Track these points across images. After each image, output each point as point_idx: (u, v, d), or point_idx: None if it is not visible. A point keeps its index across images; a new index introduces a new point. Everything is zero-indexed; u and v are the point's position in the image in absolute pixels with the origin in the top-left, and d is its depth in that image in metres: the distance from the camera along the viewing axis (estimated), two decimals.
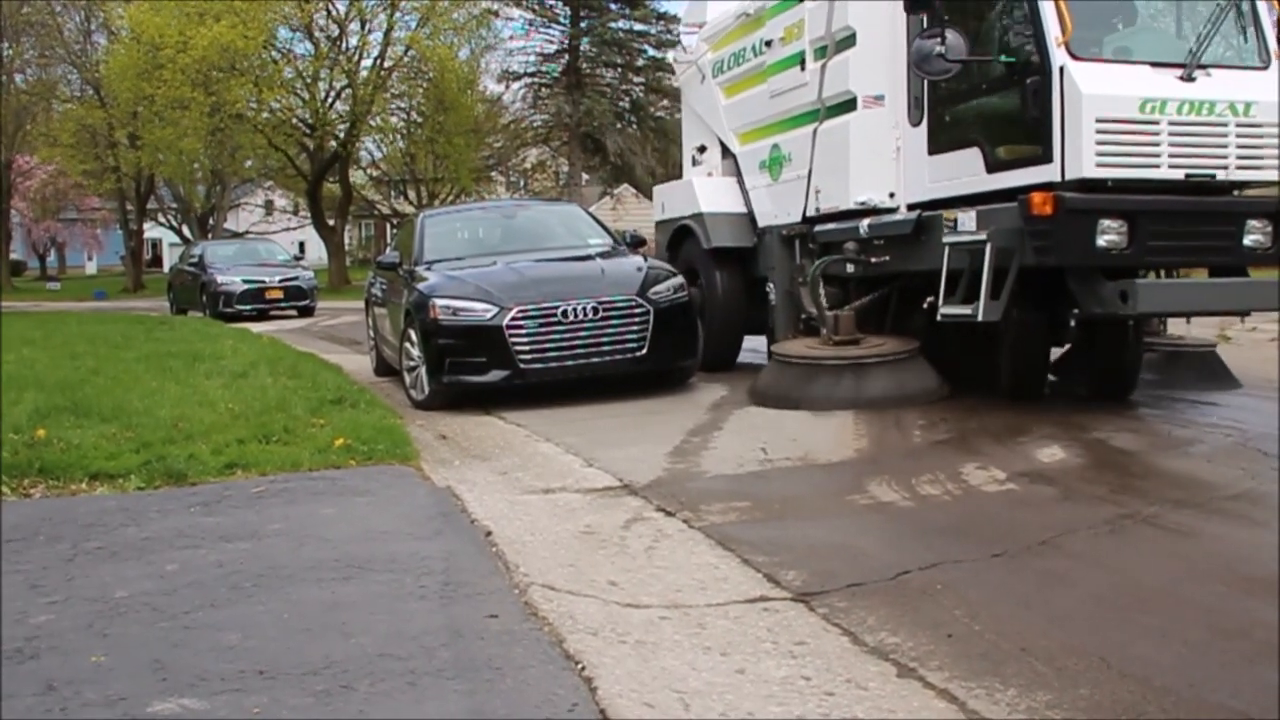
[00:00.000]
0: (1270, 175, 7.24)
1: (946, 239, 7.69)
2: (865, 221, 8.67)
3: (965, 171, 7.73)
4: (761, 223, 10.27)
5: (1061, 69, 6.93)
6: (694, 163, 11.77)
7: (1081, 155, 6.82)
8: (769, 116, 10.12)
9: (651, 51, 46.21)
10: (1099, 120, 6.83)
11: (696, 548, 4.76)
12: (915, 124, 8.32)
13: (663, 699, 3.18)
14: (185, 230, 47.82)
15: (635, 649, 3.58)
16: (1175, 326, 9.25)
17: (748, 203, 10.54)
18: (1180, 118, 6.98)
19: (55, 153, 42.72)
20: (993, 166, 7.51)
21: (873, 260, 8.70)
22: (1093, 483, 5.74)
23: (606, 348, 8.84)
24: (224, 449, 6.43)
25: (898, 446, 6.75)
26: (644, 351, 8.93)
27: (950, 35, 7.28)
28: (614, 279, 9.26)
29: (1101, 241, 6.82)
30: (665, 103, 47.82)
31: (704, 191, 10.91)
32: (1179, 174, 7.00)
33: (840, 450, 6.69)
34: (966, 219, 7.48)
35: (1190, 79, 7.09)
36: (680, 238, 11.18)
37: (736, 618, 3.86)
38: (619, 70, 46.37)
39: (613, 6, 44.97)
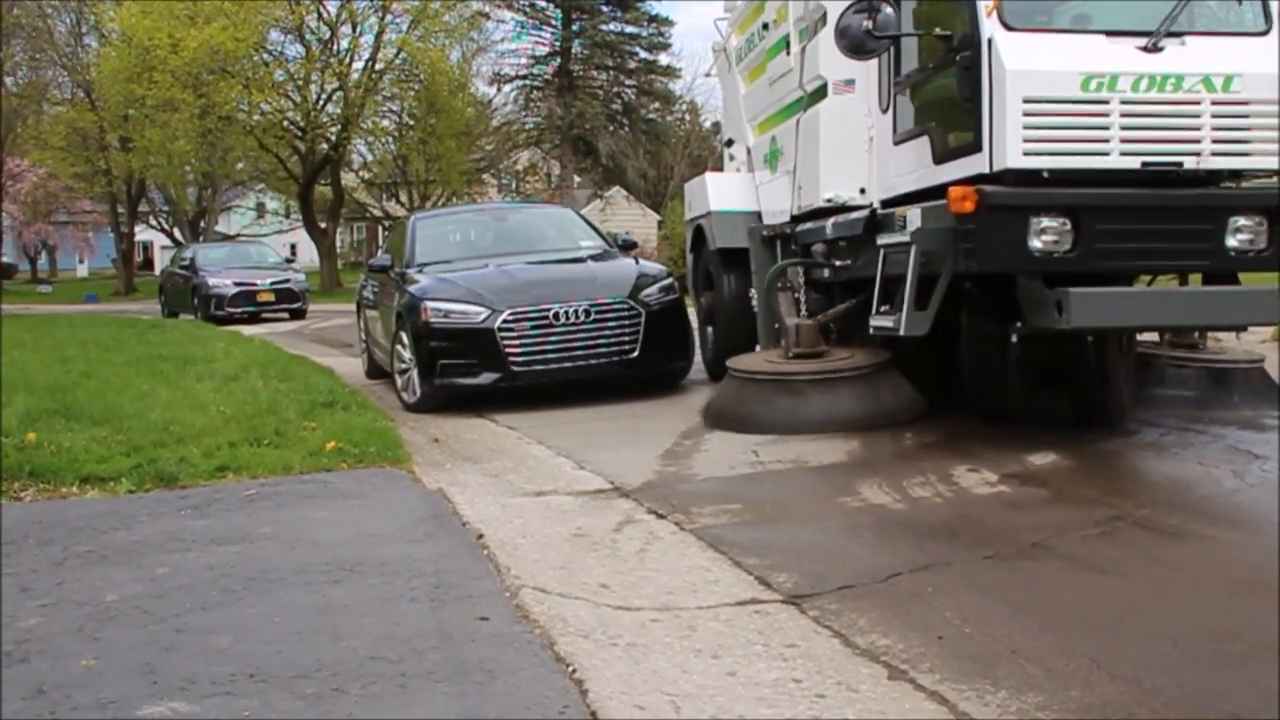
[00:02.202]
0: (1262, 163, 6.26)
1: (881, 240, 7.02)
2: (830, 221, 8.00)
3: (920, 163, 6.87)
4: (765, 221, 9.43)
5: (989, 41, 6.05)
6: (730, 158, 11.11)
7: (1006, 142, 5.95)
8: (769, 106, 9.57)
9: (643, 54, 46.33)
10: (1027, 100, 5.95)
11: (688, 550, 4.76)
12: (885, 110, 7.46)
13: (654, 701, 3.18)
14: (176, 233, 47.74)
15: (626, 651, 3.58)
16: (1221, 337, 8.29)
17: (759, 200, 9.70)
18: (1136, 96, 6.01)
19: (46, 155, 42.60)
20: (939, 157, 6.66)
21: (837, 264, 8.00)
22: (1084, 485, 5.75)
23: (598, 350, 8.85)
24: (215, 452, 6.43)
25: (889, 449, 6.74)
26: (636, 354, 8.93)
27: (884, 10, 6.49)
28: (606, 281, 9.27)
29: (1036, 243, 5.97)
30: (657, 105, 47.99)
31: (716, 188, 10.22)
32: (1134, 163, 6.04)
33: (832, 453, 6.69)
34: (914, 217, 6.63)
35: (1155, 49, 6.09)
36: (700, 238, 10.58)
37: (727, 620, 3.86)
38: (610, 73, 46.47)
39: (604, 9, 45.04)
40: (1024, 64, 5.98)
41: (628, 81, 46.77)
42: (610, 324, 8.88)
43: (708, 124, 55.32)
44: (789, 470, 6.31)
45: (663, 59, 46.98)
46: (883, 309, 6.81)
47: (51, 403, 7.83)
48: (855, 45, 6.65)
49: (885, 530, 5.02)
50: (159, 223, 50.83)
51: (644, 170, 50.36)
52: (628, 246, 10.69)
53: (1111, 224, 6.00)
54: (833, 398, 7.31)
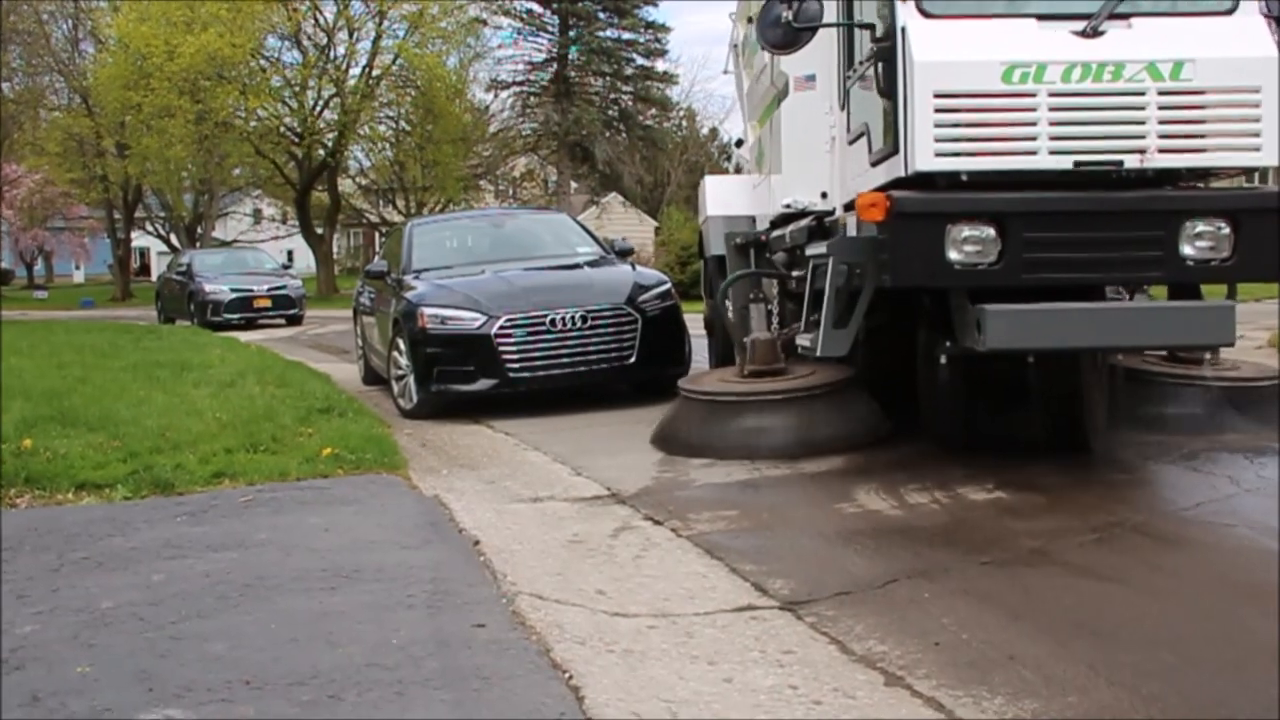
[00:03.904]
0: (1222, 160, 5.53)
1: (809, 251, 6.61)
2: (789, 228, 7.52)
3: (862, 165, 6.25)
4: (759, 227, 8.82)
5: (903, 31, 5.45)
6: (744, 160, 10.63)
7: (916, 142, 5.36)
8: (758, 104, 9.07)
9: (640, 60, 46.39)
10: (939, 96, 5.34)
11: (684, 557, 4.76)
12: (843, 107, 6.75)
13: (650, 708, 3.17)
14: (173, 239, 47.70)
15: (623, 658, 3.58)
16: (1232, 352, 7.19)
17: (755, 205, 9.08)
18: (1067, 88, 5.32)
19: (42, 161, 42.59)
20: (873, 159, 6.03)
21: (795, 274, 7.45)
22: (1080, 491, 5.75)
23: (595, 356, 8.85)
24: (211, 458, 6.42)
25: (886, 456, 6.73)
26: (633, 360, 8.94)
27: None
28: (602, 288, 9.27)
29: (954, 254, 5.35)
30: (654, 111, 48.06)
31: (713, 192, 9.79)
32: (1065, 162, 5.37)
33: (829, 459, 6.68)
34: (851, 225, 6.05)
35: (1095, 33, 5.39)
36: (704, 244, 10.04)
37: (724, 626, 3.86)
38: (607, 79, 46.52)
39: (601, 15, 45.10)
40: (935, 55, 5.39)
41: (624, 88, 46.82)
42: (607, 330, 8.88)
43: (705, 130, 55.51)
44: (786, 477, 6.30)
45: (660, 65, 47.11)
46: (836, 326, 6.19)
47: (48, 409, 7.82)
48: (776, 39, 6.07)
49: (882, 537, 5.02)
50: (155, 228, 50.78)
51: (641, 176, 50.45)
52: (624, 253, 10.68)
53: (1041, 232, 5.36)
54: (785, 420, 6.79)
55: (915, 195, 5.44)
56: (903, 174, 5.48)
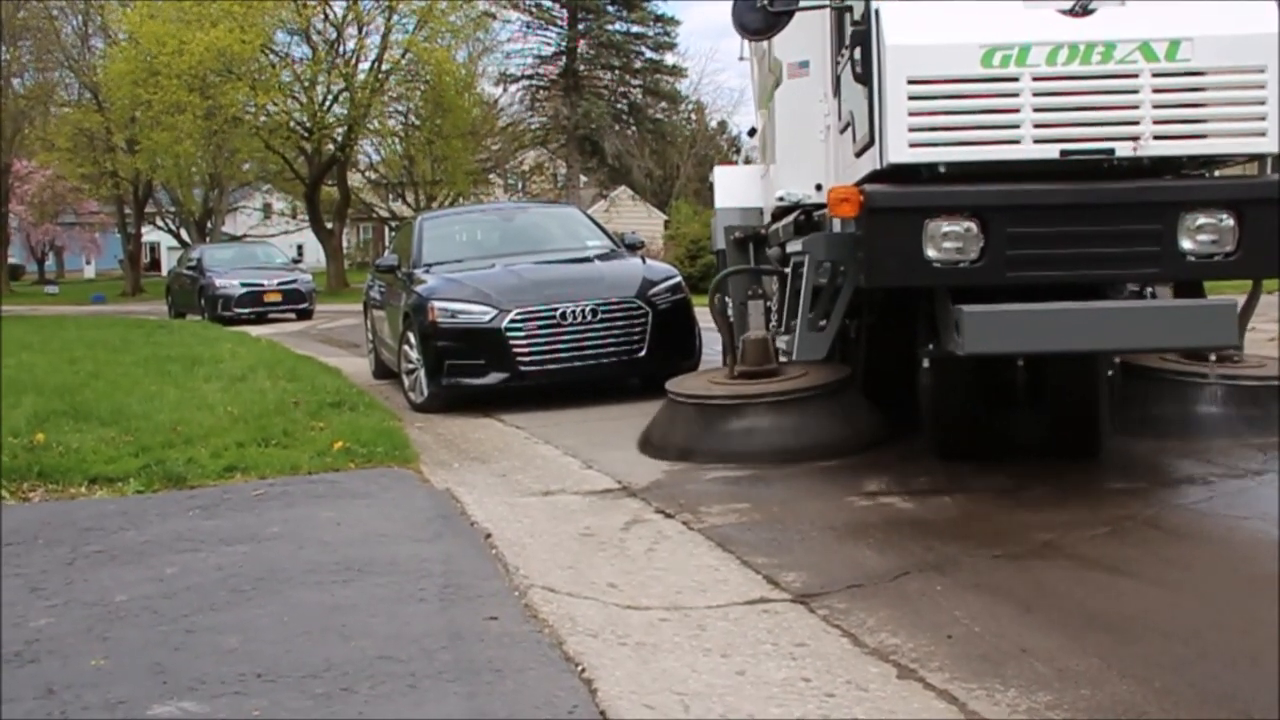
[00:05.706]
0: (1224, 146, 5.12)
1: (790, 248, 6.42)
2: (781, 223, 7.27)
3: (851, 156, 5.81)
4: (766, 219, 8.58)
5: (876, 12, 5.07)
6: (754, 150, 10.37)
7: (890, 132, 4.99)
8: (762, 92, 8.63)
9: (649, 54, 46.36)
10: (912, 82, 4.96)
11: (696, 549, 4.77)
12: (836, 94, 6.30)
13: (663, 701, 3.18)
14: (183, 234, 47.81)
15: (635, 651, 3.58)
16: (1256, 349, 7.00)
17: (763, 196, 8.71)
18: (1052, 70, 4.92)
19: (53, 157, 42.73)
20: (857, 149, 5.60)
21: (785, 270, 7.12)
22: (1092, 484, 5.73)
23: (605, 349, 8.85)
24: (223, 452, 6.45)
25: (897, 448, 6.72)
26: (643, 353, 8.94)
27: None
28: (613, 281, 9.28)
29: (933, 252, 4.96)
30: (663, 105, 48.01)
31: (723, 183, 9.46)
32: (1051, 151, 4.97)
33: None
34: (837, 221, 5.70)
35: (1084, 12, 4.97)
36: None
37: (736, 619, 3.86)
38: (616, 72, 46.48)
39: (610, 9, 45.05)
40: (908, 38, 5.00)
41: (633, 81, 46.78)
42: (617, 323, 8.88)
43: (714, 123, 55.47)
44: (797, 469, 6.29)
45: (669, 58, 47.08)
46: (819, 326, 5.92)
47: (60, 403, 7.86)
48: (755, 23, 5.70)
49: (894, 529, 5.01)
50: (166, 224, 50.90)
51: (650, 170, 50.40)
52: (634, 246, 10.68)
53: (1026, 226, 4.97)
54: (774, 423, 6.52)
55: (889, 189, 5.10)
56: (879, 166, 5.13)
